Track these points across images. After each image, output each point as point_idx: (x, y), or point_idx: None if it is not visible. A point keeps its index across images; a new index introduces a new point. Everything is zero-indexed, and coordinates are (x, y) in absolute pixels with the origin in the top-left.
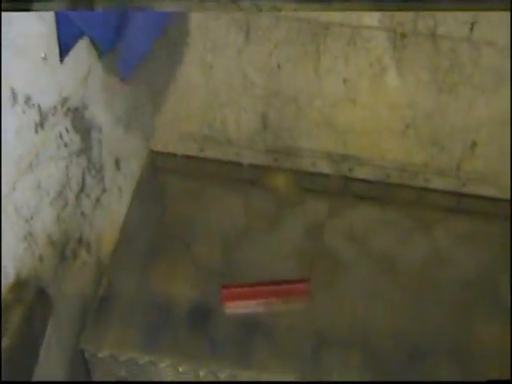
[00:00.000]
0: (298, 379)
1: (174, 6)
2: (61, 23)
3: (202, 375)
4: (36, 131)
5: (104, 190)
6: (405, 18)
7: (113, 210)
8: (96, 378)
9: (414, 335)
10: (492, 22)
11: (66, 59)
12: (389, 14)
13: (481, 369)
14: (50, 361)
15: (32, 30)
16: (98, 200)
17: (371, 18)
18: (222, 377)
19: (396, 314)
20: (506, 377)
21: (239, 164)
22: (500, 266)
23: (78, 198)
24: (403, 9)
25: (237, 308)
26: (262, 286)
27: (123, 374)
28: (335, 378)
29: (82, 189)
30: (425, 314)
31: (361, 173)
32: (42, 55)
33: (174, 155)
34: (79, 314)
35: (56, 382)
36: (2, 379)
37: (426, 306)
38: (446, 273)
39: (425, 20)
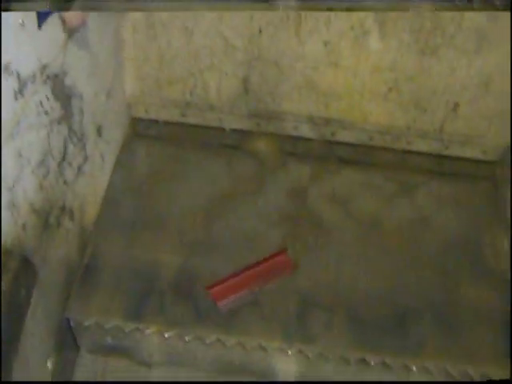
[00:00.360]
0: (283, 343)
1: None
2: None
3: (188, 340)
4: (16, 99)
5: (86, 158)
6: None
7: (95, 178)
8: (82, 345)
9: (398, 297)
10: None
11: (44, 25)
12: None
13: (465, 330)
14: (36, 329)
15: None
16: (80, 168)
17: None
18: (208, 342)
19: (380, 277)
20: (489, 333)
21: (221, 129)
22: (483, 227)
23: (60, 166)
24: None
25: (229, 302)
26: (246, 272)
27: (109, 342)
28: (319, 342)
29: (63, 157)
30: (409, 275)
31: (343, 136)
32: (20, 21)
33: (156, 121)
34: (64, 283)
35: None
36: None
37: (410, 267)
38: (430, 235)
39: None
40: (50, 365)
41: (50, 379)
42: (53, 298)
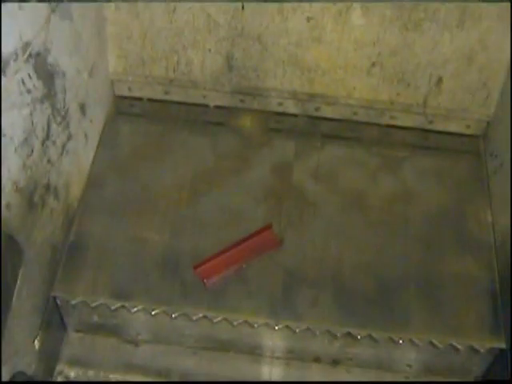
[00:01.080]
0: (270, 319)
1: None
2: None
3: (175, 317)
4: None
5: (70, 137)
6: None
7: (79, 156)
8: (69, 324)
9: (384, 270)
10: None
11: (25, 3)
12: None
13: (450, 302)
14: (23, 309)
15: None
16: (64, 146)
17: None
18: (195, 319)
19: (365, 250)
20: (474, 304)
21: (205, 106)
22: (466, 200)
23: (43, 145)
24: None
25: (216, 280)
26: (232, 250)
27: (96, 320)
28: (306, 317)
29: (47, 136)
30: (394, 248)
31: (327, 112)
32: None
33: (140, 99)
34: (50, 262)
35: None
36: None
37: (395, 241)
38: (414, 208)
39: None
40: (37, 344)
41: (37, 358)
42: (39, 277)
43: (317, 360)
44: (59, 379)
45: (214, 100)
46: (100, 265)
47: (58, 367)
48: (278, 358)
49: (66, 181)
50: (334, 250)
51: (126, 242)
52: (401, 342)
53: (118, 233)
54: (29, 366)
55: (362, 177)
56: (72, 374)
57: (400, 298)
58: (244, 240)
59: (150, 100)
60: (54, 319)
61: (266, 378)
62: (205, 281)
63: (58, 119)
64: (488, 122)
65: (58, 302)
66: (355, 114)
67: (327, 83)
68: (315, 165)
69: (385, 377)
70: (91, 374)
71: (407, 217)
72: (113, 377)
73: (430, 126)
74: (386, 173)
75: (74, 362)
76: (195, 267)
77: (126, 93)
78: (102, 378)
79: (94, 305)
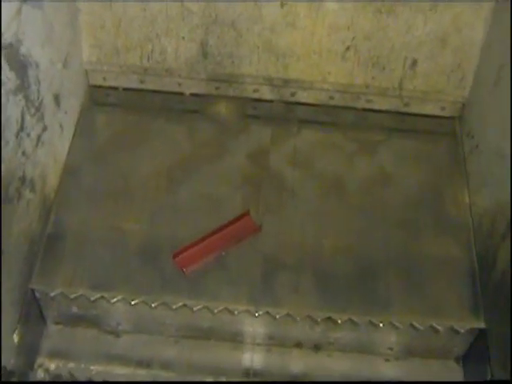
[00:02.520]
0: (250, 306)
1: None
2: None
3: (155, 307)
4: None
5: (45, 128)
6: None
7: (55, 148)
8: (48, 316)
9: (364, 254)
10: None
11: None
12: None
13: (429, 283)
14: (1, 302)
15: None
16: (39, 138)
17: None
18: (175, 307)
19: (344, 235)
20: (453, 285)
21: (181, 94)
22: (444, 181)
23: (17, 137)
24: None
25: (196, 269)
26: (211, 238)
27: (76, 312)
28: (286, 303)
29: (21, 128)
30: (373, 232)
31: (303, 97)
32: None
33: (115, 89)
34: (27, 254)
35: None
36: None
37: (374, 224)
38: (392, 191)
39: None
40: (15, 338)
41: (16, 352)
42: (16, 271)
43: (298, 345)
44: (40, 372)
45: (190, 88)
46: (78, 256)
47: (39, 360)
48: (259, 344)
49: (42, 172)
50: (312, 235)
51: (104, 231)
52: (381, 325)
53: (96, 223)
54: (8, 360)
55: (339, 161)
56: (52, 366)
57: (380, 281)
58: (222, 227)
59: (126, 89)
60: (32, 312)
61: (247, 364)
62: (184, 269)
63: (32, 111)
64: (463, 104)
65: (37, 295)
66: (331, 98)
67: (302, 68)
68: (292, 150)
69: (366, 360)
70: (72, 366)
71: (385, 200)
72: (93, 368)
73: (405, 109)
74: (364, 156)
75: (54, 355)
76: (174, 256)
77: (100, 82)
78: (83, 370)
79: (73, 296)
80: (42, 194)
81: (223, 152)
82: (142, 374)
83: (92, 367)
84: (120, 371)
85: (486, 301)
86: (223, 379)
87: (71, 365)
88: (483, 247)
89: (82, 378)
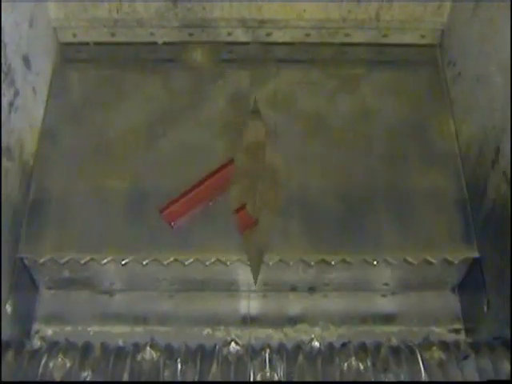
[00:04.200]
0: (242, 255)
1: None
2: None
3: (146, 264)
4: None
5: (17, 93)
6: None
7: (30, 111)
8: (40, 282)
9: (352, 192)
10: None
11: None
12: None
13: (420, 216)
14: None
15: None
16: (11, 104)
17: None
18: (166, 263)
19: (331, 174)
20: (443, 216)
21: (154, 44)
22: (428, 112)
23: None
24: None
25: (184, 221)
26: (196, 189)
27: (67, 275)
28: (278, 249)
29: None
30: (359, 168)
31: (279, 36)
32: None
33: (86, 44)
34: (11, 223)
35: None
36: None
37: (360, 161)
38: (376, 125)
39: None
40: (8, 308)
41: (11, 322)
42: (3, 240)
43: (293, 289)
44: (36, 339)
45: (162, 36)
46: (64, 220)
47: (34, 327)
48: (254, 291)
49: (19, 139)
50: (298, 177)
51: (87, 193)
52: (375, 262)
53: (79, 185)
54: (3, 330)
55: (320, 99)
56: (49, 332)
57: (370, 218)
58: (207, 178)
59: (97, 44)
60: (23, 280)
61: (244, 311)
62: (172, 224)
63: (2, 76)
64: (442, 31)
65: (26, 262)
66: (308, 35)
67: (276, 8)
68: (272, 92)
69: (363, 297)
70: (69, 330)
71: (370, 135)
72: (90, 329)
73: (384, 40)
74: (345, 93)
75: (49, 320)
76: (161, 211)
77: (70, 39)
78: (79, 333)
79: (62, 261)
80: (20, 160)
81: (202, 100)
82: (139, 331)
83: (89, 329)
84: (117, 330)
85: (478, 229)
86: (221, 328)
87: (68, 328)
88: (472, 176)
89: (79, 342)
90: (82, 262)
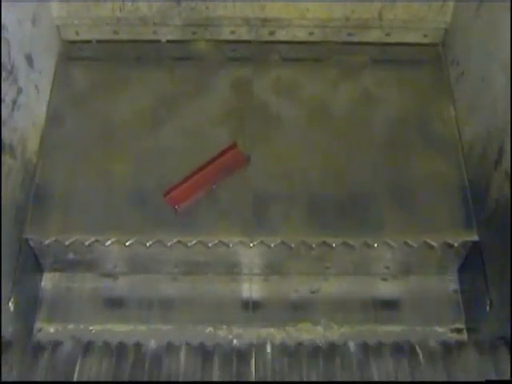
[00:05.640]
0: (244, 237)
1: None
2: None
3: (149, 246)
4: None
5: (20, 91)
6: None
7: (32, 110)
8: (45, 265)
9: (354, 178)
10: None
11: None
12: None
13: (421, 200)
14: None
15: None
16: (14, 102)
17: None
18: (169, 245)
19: (333, 161)
20: (444, 200)
21: (157, 42)
22: (428, 101)
23: None
24: None
25: (187, 204)
26: (200, 173)
27: (72, 257)
28: (280, 231)
29: None
30: (362, 156)
31: (282, 35)
32: None
33: (88, 42)
34: (15, 219)
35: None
36: None
37: (361, 148)
38: (378, 114)
39: None
40: (11, 306)
41: (14, 319)
42: (9, 222)
43: (295, 273)
44: (39, 337)
45: (166, 35)
46: (69, 203)
47: (37, 325)
48: (256, 274)
49: (22, 136)
50: (301, 163)
51: (91, 177)
52: (376, 245)
53: (83, 169)
54: (5, 328)
55: (322, 90)
56: (51, 330)
57: (371, 202)
58: (210, 161)
59: (99, 42)
60: (29, 261)
61: (247, 295)
62: (176, 207)
63: (5, 75)
64: (446, 30)
65: (31, 244)
66: (311, 34)
67: (279, 7)
68: (275, 80)
69: (364, 280)
70: (71, 328)
71: (372, 124)
72: (92, 328)
73: (387, 39)
74: (348, 83)
75: (52, 311)
76: (165, 194)
77: (73, 37)
78: (82, 331)
79: (67, 242)
80: (23, 159)
81: (204, 95)
82: (142, 329)
83: (91, 327)
84: (120, 329)
85: (478, 213)
86: (223, 327)
87: (70, 327)
88: (475, 176)
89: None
90: (87, 243)
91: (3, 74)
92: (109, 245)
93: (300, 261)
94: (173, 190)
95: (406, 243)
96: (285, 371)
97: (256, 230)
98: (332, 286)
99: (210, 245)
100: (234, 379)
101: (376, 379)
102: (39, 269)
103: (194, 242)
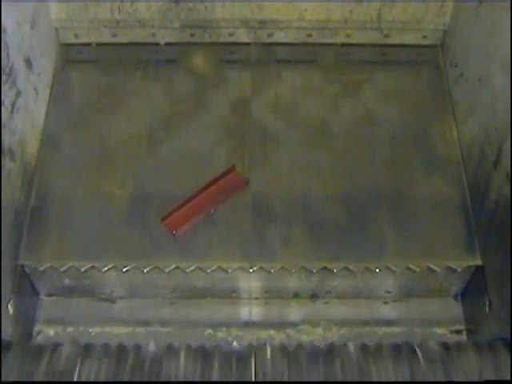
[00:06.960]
0: (244, 262)
1: None
2: None
3: (147, 272)
4: None
5: (19, 94)
6: None
7: (31, 112)
8: (41, 289)
9: (354, 199)
10: None
11: None
12: None
13: (422, 223)
14: None
15: None
16: (13, 105)
17: None
18: (167, 271)
19: (333, 181)
20: (446, 223)
21: (156, 44)
22: (430, 117)
23: None
24: None
25: (185, 229)
26: (198, 197)
27: (68, 283)
28: (280, 256)
29: None
30: (362, 176)
31: (281, 37)
32: None
33: (87, 45)
34: (13, 225)
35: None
36: None
37: (363, 168)
38: (378, 131)
39: None
40: (10, 309)
41: (13, 322)
42: (4, 241)
43: (296, 296)
44: (39, 339)
45: (164, 37)
46: (64, 227)
47: (36, 327)
48: (256, 298)
49: (21, 139)
50: (301, 184)
51: (88, 199)
52: (377, 270)
53: (80, 190)
54: (5, 330)
55: (322, 105)
56: (51, 333)
57: (372, 225)
58: (209, 185)
59: (98, 44)
60: (24, 286)
61: (246, 318)
62: (174, 232)
63: (4, 78)
64: (444, 31)
65: (27, 270)
66: (309, 36)
67: (277, 8)
68: (274, 96)
69: (365, 304)
70: (71, 330)
71: (373, 140)
72: (92, 330)
73: (386, 41)
74: (347, 98)
75: (51, 322)
76: (163, 219)
77: (72, 40)
78: (82, 333)
79: (63, 269)
80: (22, 161)
81: (203, 105)
82: (141, 332)
83: (91, 330)
84: (119, 331)
85: (481, 237)
86: (223, 329)
87: (70, 329)
88: (474, 177)
89: (81, 342)
90: (83, 269)
91: (2, 76)
92: (105, 271)
93: (300, 285)
94: (171, 215)
95: (408, 268)
96: (284, 372)
97: (255, 254)
98: (332, 309)
99: (208, 271)
100: (233, 380)
101: (376, 380)
102: (35, 293)
103: (193, 267)
